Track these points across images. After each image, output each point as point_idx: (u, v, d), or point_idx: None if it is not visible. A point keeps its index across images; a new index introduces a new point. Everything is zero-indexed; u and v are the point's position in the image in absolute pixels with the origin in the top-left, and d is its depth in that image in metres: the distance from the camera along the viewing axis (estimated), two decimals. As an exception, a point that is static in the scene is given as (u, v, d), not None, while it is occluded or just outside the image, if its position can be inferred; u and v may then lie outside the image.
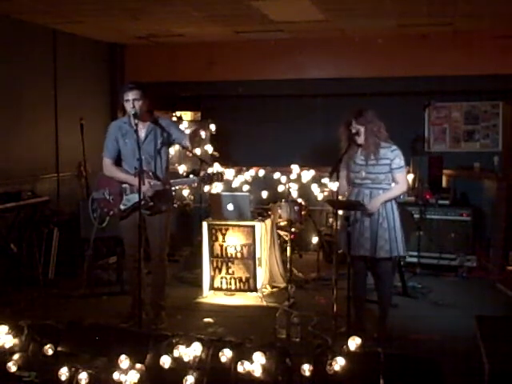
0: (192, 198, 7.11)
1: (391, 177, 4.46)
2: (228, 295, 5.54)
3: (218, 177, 4.46)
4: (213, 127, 7.39)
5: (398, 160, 4.43)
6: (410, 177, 6.78)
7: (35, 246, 5.83)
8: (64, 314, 4.80)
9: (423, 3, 5.41)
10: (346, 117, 4.51)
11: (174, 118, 7.52)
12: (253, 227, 5.44)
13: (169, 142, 4.60)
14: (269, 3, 5.45)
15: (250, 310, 5.22)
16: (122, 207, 4.57)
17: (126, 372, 3.29)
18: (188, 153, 4.98)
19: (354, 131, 4.40)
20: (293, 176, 6.99)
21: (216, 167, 6.98)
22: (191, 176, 4.61)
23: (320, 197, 6.81)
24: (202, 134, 7.41)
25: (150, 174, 4.47)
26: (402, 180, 4.46)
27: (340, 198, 4.50)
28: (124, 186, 4.57)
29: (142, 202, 4.31)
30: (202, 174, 4.49)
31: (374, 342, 4.29)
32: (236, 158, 7.56)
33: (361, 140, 4.40)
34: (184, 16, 5.98)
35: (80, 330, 3.63)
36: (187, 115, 8.08)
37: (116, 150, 4.62)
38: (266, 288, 5.67)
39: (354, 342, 3.31)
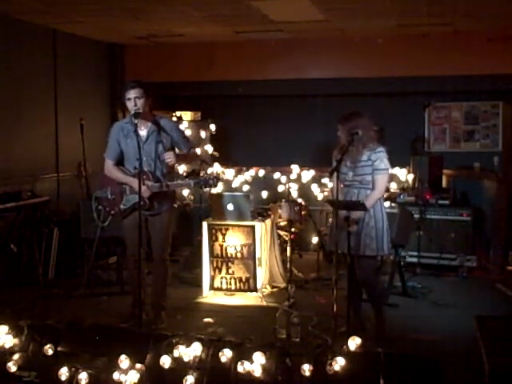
0: (192, 197, 7.12)
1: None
2: (228, 295, 5.54)
3: (214, 181, 4.46)
4: (213, 127, 7.39)
5: (379, 162, 4.41)
6: (410, 177, 6.79)
7: (35, 246, 5.83)
8: (64, 314, 4.79)
9: (423, 3, 5.41)
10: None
11: (174, 118, 7.53)
12: (253, 227, 5.44)
13: (171, 144, 4.60)
14: (269, 3, 5.45)
15: (250, 310, 5.22)
16: (122, 207, 4.59)
17: (126, 372, 3.29)
18: (193, 150, 4.98)
19: (338, 134, 4.48)
20: (293, 176, 7.01)
21: (216, 167, 7.00)
22: (187, 180, 4.62)
23: (320, 197, 6.83)
24: (202, 134, 7.42)
25: (150, 175, 4.47)
26: (379, 183, 4.42)
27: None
28: (124, 186, 4.58)
29: (141, 203, 4.31)
30: (197, 178, 4.50)
31: (374, 341, 4.29)
32: (236, 158, 7.57)
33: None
34: (184, 16, 5.98)
35: (80, 330, 3.63)
36: (187, 115, 8.09)
37: (117, 151, 4.62)
38: (266, 288, 5.67)
39: (353, 342, 3.31)
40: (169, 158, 4.45)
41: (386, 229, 4.45)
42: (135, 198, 4.39)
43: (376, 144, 4.48)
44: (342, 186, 4.56)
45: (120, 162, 4.66)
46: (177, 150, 4.69)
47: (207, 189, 4.89)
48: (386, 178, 4.50)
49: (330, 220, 4.48)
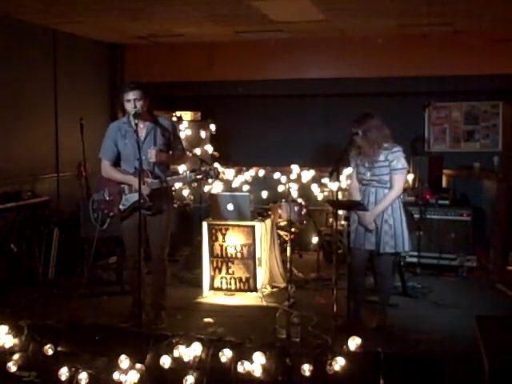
0: (192, 197, 7.11)
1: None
2: (228, 295, 5.54)
3: (215, 172, 4.46)
4: (213, 127, 7.39)
5: (396, 162, 4.48)
6: (410, 177, 6.78)
7: (35, 246, 5.84)
8: (64, 314, 4.79)
9: (423, 3, 5.41)
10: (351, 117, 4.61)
11: (174, 118, 7.52)
12: (253, 227, 5.44)
13: (168, 143, 4.59)
14: (269, 3, 5.45)
15: (249, 310, 5.22)
16: (121, 207, 4.57)
17: (126, 372, 3.29)
18: (188, 153, 4.99)
19: (353, 131, 4.49)
20: (293, 176, 7.00)
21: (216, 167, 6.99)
22: (187, 173, 4.60)
23: (320, 197, 6.82)
24: (202, 134, 7.41)
25: (149, 173, 4.47)
26: (397, 183, 4.49)
27: (340, 197, 4.61)
28: (122, 186, 4.57)
29: (141, 201, 4.30)
30: (196, 171, 4.49)
31: (373, 331, 4.51)
32: (236, 158, 7.56)
33: (360, 144, 4.50)
34: (184, 16, 5.98)
35: (80, 330, 3.64)
36: (187, 115, 8.09)
37: (114, 152, 4.60)
38: (266, 288, 5.66)
39: (354, 342, 3.31)
40: (150, 154, 4.43)
41: (404, 226, 4.53)
42: (135, 196, 4.40)
43: (392, 143, 4.53)
44: (360, 185, 4.64)
45: (116, 163, 4.65)
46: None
47: (210, 179, 4.87)
48: (403, 177, 4.57)
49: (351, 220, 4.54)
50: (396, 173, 4.47)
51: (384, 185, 4.49)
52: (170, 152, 4.66)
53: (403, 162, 4.50)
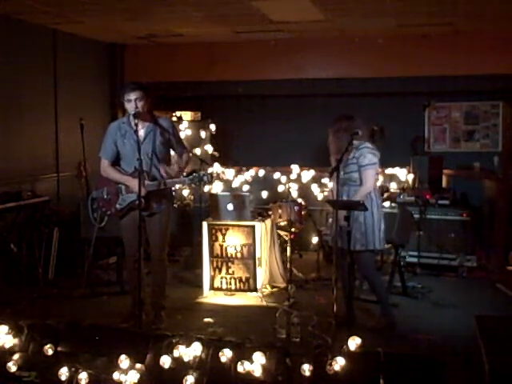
0: (192, 197, 7.12)
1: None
2: (228, 295, 5.54)
3: (208, 178, 4.47)
4: (213, 127, 7.39)
5: (362, 158, 4.51)
6: (410, 177, 6.79)
7: (35, 246, 5.83)
8: (64, 314, 4.80)
9: (423, 3, 5.41)
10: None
11: (174, 118, 7.52)
12: (253, 227, 5.44)
13: (168, 143, 4.60)
14: (269, 3, 5.45)
15: (249, 310, 5.22)
16: (117, 207, 4.57)
17: (126, 372, 3.30)
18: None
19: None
20: (293, 176, 7.01)
21: (216, 167, 7.00)
22: (182, 177, 4.62)
23: (320, 197, 6.83)
24: (202, 134, 7.42)
25: (146, 175, 4.46)
26: (365, 178, 4.52)
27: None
28: (120, 185, 4.57)
29: (136, 202, 4.30)
30: (192, 175, 4.49)
31: (373, 328, 4.53)
32: (236, 158, 7.56)
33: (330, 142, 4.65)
34: (184, 16, 5.99)
35: (80, 330, 3.64)
36: (187, 115, 8.09)
37: (114, 151, 4.61)
38: (266, 288, 5.67)
39: (354, 342, 3.31)
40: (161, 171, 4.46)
41: (376, 224, 4.53)
42: (131, 197, 4.44)
43: (362, 141, 4.55)
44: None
45: (115, 162, 4.66)
46: (172, 152, 4.70)
47: (204, 185, 4.88)
48: (372, 172, 4.55)
49: (330, 219, 4.59)
50: (364, 169, 4.50)
51: (354, 183, 4.54)
52: (172, 152, 4.67)
53: (370, 157, 4.50)
